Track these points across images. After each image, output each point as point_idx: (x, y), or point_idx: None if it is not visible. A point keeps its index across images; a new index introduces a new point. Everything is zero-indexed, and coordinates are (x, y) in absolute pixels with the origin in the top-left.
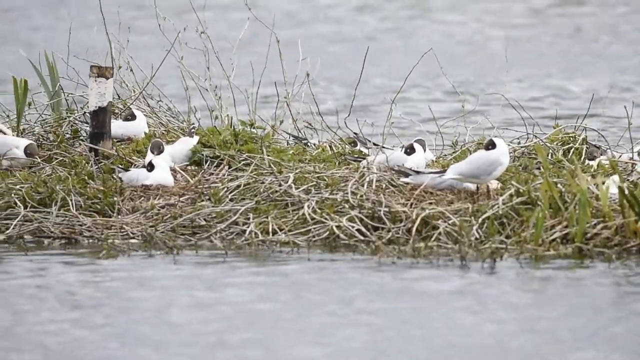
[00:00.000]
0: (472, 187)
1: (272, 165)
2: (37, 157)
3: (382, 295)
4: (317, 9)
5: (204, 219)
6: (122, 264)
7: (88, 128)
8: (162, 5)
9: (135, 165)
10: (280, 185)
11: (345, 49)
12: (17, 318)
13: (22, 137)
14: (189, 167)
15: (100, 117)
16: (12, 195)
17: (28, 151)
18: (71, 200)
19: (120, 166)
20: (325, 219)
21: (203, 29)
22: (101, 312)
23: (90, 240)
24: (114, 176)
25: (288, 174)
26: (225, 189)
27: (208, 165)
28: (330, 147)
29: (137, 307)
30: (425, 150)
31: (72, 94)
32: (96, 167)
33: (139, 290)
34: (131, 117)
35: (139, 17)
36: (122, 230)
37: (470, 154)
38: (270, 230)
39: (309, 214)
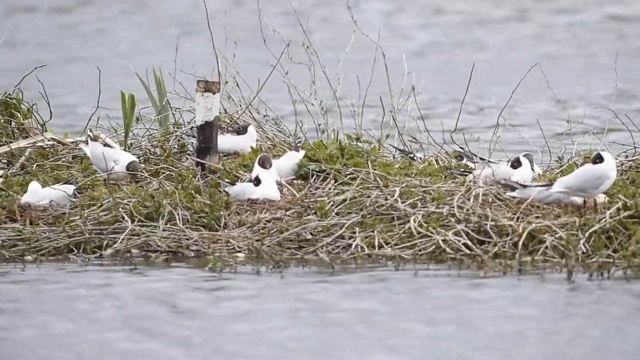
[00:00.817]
0: (579, 200)
1: (378, 179)
2: (138, 173)
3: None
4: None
5: (310, 233)
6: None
7: (195, 142)
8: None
9: (241, 179)
10: (386, 199)
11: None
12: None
13: (129, 151)
14: (295, 181)
15: (207, 132)
16: (120, 209)
17: (130, 168)
18: (178, 214)
19: (226, 180)
20: (431, 232)
21: (308, 43)
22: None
23: (197, 254)
24: (221, 190)
25: (394, 188)
26: (332, 202)
27: (314, 179)
28: (436, 161)
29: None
30: (532, 164)
31: (179, 108)
32: (203, 181)
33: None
34: (243, 130)
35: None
36: (229, 244)
37: (577, 167)
38: (376, 244)
39: (415, 228)
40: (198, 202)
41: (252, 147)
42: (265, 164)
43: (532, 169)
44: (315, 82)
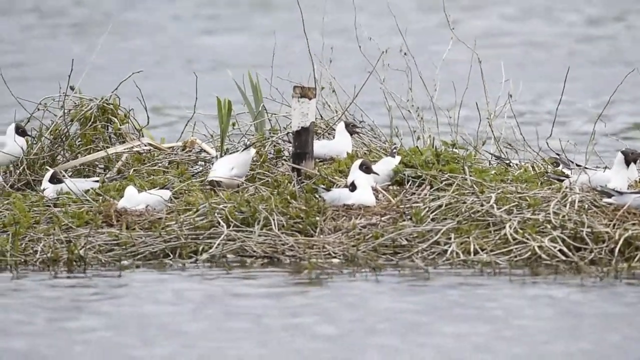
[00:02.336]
0: None
1: (474, 185)
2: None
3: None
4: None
5: (406, 239)
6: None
7: (291, 148)
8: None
9: (337, 185)
10: (482, 205)
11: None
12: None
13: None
14: (390, 187)
15: (303, 137)
16: (216, 214)
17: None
18: (273, 219)
19: (322, 186)
20: (527, 239)
21: (406, 49)
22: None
23: (292, 260)
24: (317, 196)
25: (490, 194)
26: (427, 208)
27: (410, 185)
28: (532, 167)
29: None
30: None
31: (275, 114)
32: (299, 186)
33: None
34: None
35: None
36: (324, 250)
37: None
38: (471, 250)
39: (511, 234)
40: (294, 208)
41: (347, 153)
42: (369, 170)
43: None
44: (412, 88)
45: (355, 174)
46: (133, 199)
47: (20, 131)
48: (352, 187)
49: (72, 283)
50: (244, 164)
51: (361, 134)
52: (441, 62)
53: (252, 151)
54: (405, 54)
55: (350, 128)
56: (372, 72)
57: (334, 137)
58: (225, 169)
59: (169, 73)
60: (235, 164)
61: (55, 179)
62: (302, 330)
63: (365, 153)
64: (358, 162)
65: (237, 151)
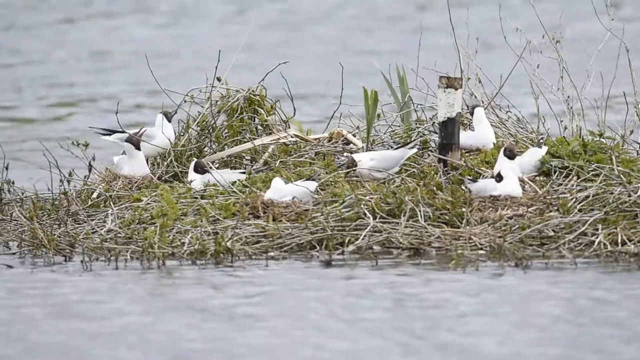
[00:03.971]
0: None
1: (621, 176)
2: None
3: None
4: None
5: (552, 230)
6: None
7: (437, 139)
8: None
9: (483, 175)
10: (629, 195)
11: None
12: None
13: (372, 148)
14: (537, 178)
15: (449, 128)
16: (362, 206)
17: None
18: (420, 211)
19: (469, 177)
20: None
21: (559, 37)
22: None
23: (439, 251)
24: (463, 187)
25: (638, 184)
26: (574, 199)
27: (557, 176)
28: None
29: None
30: None
31: (421, 104)
32: (445, 178)
33: None
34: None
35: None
36: (470, 241)
37: None
38: (619, 240)
39: None
40: (440, 199)
41: (494, 143)
42: (508, 152)
43: None
44: (562, 77)
45: (501, 164)
46: (280, 190)
47: (169, 118)
48: (499, 177)
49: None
50: (388, 159)
51: (508, 122)
52: (596, 52)
53: (410, 152)
54: (557, 42)
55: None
56: (518, 60)
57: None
58: (365, 158)
59: (314, 62)
60: (377, 156)
61: (200, 169)
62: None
63: (511, 143)
64: (505, 146)
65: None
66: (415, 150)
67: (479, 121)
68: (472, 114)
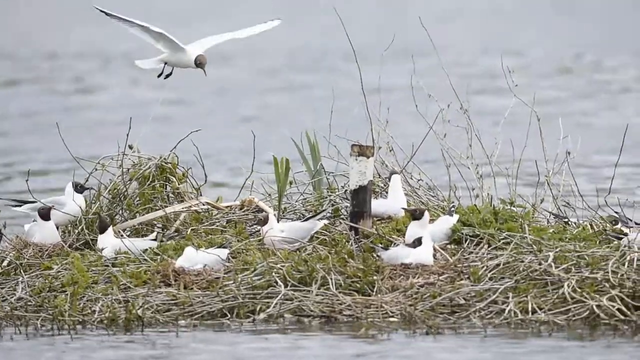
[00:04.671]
0: None
1: (532, 244)
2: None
3: None
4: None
5: (463, 298)
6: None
7: (349, 206)
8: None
9: (394, 243)
10: (540, 264)
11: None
12: None
13: (283, 216)
14: (448, 246)
15: (361, 196)
16: (273, 274)
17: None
18: (331, 279)
19: (380, 245)
20: (585, 298)
21: (465, 107)
22: None
23: (350, 319)
24: (374, 255)
25: (548, 253)
26: (485, 267)
27: (468, 244)
28: (590, 225)
29: None
30: None
31: (333, 172)
32: (356, 245)
33: None
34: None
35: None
36: (382, 309)
37: None
38: (529, 309)
39: (569, 293)
40: (351, 267)
41: (404, 209)
42: (417, 214)
43: None
44: (471, 145)
45: (412, 230)
46: (191, 258)
47: (79, 187)
48: (418, 242)
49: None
50: (299, 230)
51: (419, 190)
52: (503, 120)
53: (319, 223)
54: (465, 111)
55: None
56: (429, 130)
57: (387, 194)
58: (276, 229)
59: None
60: (288, 228)
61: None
62: None
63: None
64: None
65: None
66: (324, 222)
67: (394, 189)
68: (389, 179)
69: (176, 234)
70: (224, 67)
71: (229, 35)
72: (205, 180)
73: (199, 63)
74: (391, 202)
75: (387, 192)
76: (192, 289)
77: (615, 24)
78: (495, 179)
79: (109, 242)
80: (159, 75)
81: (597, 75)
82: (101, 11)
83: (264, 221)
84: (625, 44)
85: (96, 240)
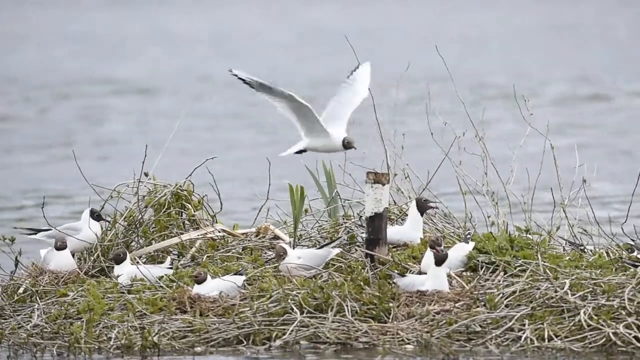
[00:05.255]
0: None
1: (547, 271)
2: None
3: None
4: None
5: (479, 325)
6: None
7: (364, 234)
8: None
9: (411, 271)
10: (556, 291)
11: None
12: None
13: (299, 243)
14: (464, 273)
15: (377, 223)
16: (289, 300)
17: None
18: (347, 305)
19: (396, 272)
20: (602, 325)
21: (480, 135)
22: None
23: (366, 346)
24: (390, 282)
25: (564, 280)
26: (501, 294)
27: (483, 271)
28: (607, 253)
29: None
30: None
31: (348, 200)
32: (372, 272)
33: None
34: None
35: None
36: (398, 336)
37: None
38: (546, 336)
39: (585, 320)
40: (367, 294)
41: (421, 239)
42: (434, 245)
43: None
44: (487, 173)
45: (429, 258)
46: (207, 285)
47: (96, 216)
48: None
49: None
50: (314, 257)
51: (434, 217)
52: (518, 148)
53: (334, 251)
54: (480, 139)
55: (422, 203)
56: (445, 157)
57: (405, 221)
58: (293, 255)
59: (238, 159)
60: (304, 255)
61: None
62: None
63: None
64: (430, 238)
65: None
66: (338, 250)
67: (411, 214)
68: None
69: (192, 261)
70: (235, 93)
71: (357, 100)
72: (221, 208)
73: (347, 143)
74: (407, 229)
75: (402, 220)
76: (208, 315)
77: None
78: (511, 206)
79: (124, 270)
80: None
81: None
82: (239, 78)
83: (283, 255)
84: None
85: (112, 267)
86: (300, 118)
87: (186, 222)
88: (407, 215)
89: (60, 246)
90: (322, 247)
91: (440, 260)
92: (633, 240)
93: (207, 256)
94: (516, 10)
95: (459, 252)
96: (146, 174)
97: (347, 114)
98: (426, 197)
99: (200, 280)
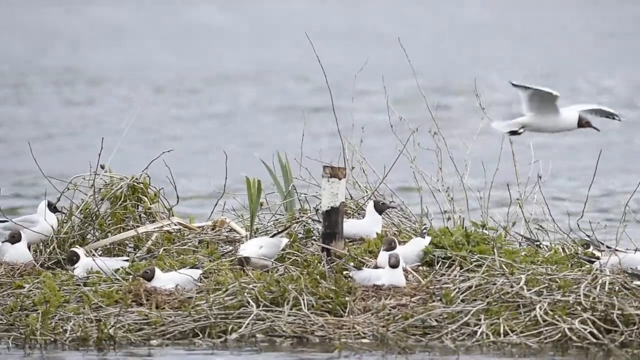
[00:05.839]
0: None
1: (504, 267)
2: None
3: None
4: None
5: (435, 320)
6: None
7: (320, 228)
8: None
9: (367, 265)
10: (512, 286)
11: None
12: None
13: (255, 237)
14: (420, 268)
15: (333, 217)
16: (245, 294)
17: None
18: (303, 299)
19: (352, 265)
20: (557, 321)
21: (436, 129)
22: None
23: (322, 340)
24: (347, 276)
25: (520, 275)
26: (457, 289)
27: (440, 266)
28: (562, 249)
29: None
30: None
31: (304, 194)
32: (328, 266)
33: None
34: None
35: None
36: (354, 330)
37: None
38: (502, 331)
39: (541, 316)
40: (323, 288)
41: (377, 233)
42: (388, 247)
43: None
44: (442, 168)
45: (384, 256)
46: (162, 278)
47: (52, 208)
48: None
49: None
50: (273, 245)
51: (391, 212)
52: (472, 142)
53: (284, 240)
54: (435, 133)
55: (380, 206)
56: (402, 152)
57: (363, 217)
58: (254, 247)
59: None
60: (265, 243)
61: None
62: None
63: (395, 233)
64: (385, 239)
65: (269, 233)
66: (286, 240)
67: (369, 213)
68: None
69: (148, 254)
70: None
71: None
72: (177, 201)
73: (586, 122)
74: (363, 223)
75: (358, 214)
76: (164, 308)
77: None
78: (468, 201)
79: (80, 263)
80: (512, 134)
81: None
82: (518, 86)
83: (245, 261)
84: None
85: (65, 257)
86: (538, 104)
87: (142, 215)
88: (364, 210)
89: (16, 239)
90: (273, 235)
91: (393, 266)
92: (588, 236)
93: (164, 249)
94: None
95: (415, 246)
96: (102, 166)
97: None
98: (383, 199)
99: (148, 278)
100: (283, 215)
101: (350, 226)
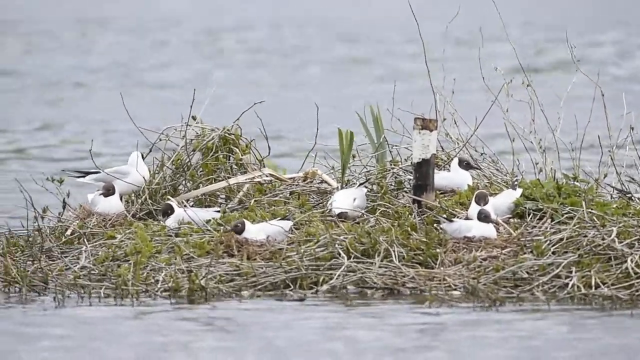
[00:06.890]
0: None
1: (595, 219)
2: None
3: None
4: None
5: (526, 272)
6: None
7: (412, 180)
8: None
9: (458, 217)
10: (603, 239)
11: None
12: None
13: (346, 188)
14: (511, 220)
15: (424, 169)
16: (336, 245)
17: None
18: (394, 251)
19: (444, 217)
20: None
21: (529, 81)
22: None
23: (413, 292)
24: (437, 228)
25: (611, 228)
26: (548, 242)
27: (531, 218)
28: None
29: None
30: None
31: (396, 145)
32: (419, 218)
33: None
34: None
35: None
36: (445, 282)
37: None
38: (593, 284)
39: (632, 268)
40: (414, 240)
41: (468, 185)
42: (480, 201)
43: None
44: (534, 120)
45: (474, 209)
46: (254, 229)
47: (143, 157)
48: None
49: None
50: (363, 196)
51: (482, 164)
52: (565, 94)
53: (364, 190)
54: (528, 86)
55: (464, 165)
56: (493, 103)
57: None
58: (348, 200)
59: (289, 103)
60: (357, 195)
61: (169, 210)
62: None
63: (486, 185)
64: (477, 193)
65: (354, 185)
66: (365, 190)
67: (453, 169)
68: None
69: (239, 205)
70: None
71: None
72: (269, 152)
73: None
74: (454, 175)
75: (450, 166)
76: (255, 259)
77: None
78: (559, 153)
79: (173, 215)
80: None
81: None
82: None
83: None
84: None
85: (159, 210)
86: None
87: (234, 166)
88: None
89: (110, 192)
90: (359, 186)
91: (484, 218)
92: None
93: (255, 200)
94: None
95: (506, 198)
96: (194, 118)
97: None
98: (467, 159)
99: (239, 232)
100: (374, 167)
101: (441, 178)
